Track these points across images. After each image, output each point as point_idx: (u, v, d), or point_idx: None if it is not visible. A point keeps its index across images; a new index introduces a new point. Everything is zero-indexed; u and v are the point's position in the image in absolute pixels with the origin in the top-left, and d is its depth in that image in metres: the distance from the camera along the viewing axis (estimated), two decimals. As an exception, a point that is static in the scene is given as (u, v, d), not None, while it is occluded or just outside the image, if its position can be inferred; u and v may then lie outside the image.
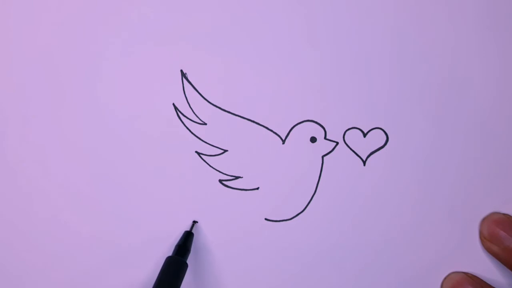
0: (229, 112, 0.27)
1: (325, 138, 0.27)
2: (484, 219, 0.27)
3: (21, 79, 0.27)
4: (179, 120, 0.27)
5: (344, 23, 0.27)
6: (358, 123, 0.27)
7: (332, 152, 0.27)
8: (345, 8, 0.26)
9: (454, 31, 0.26)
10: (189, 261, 0.26)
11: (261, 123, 0.27)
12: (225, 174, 0.27)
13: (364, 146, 0.27)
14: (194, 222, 0.27)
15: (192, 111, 0.27)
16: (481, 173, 0.27)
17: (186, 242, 0.26)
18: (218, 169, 0.27)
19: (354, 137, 0.27)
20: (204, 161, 0.27)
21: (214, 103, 0.27)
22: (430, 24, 0.26)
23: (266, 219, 0.27)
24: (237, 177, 0.27)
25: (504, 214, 0.26)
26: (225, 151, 0.27)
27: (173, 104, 0.27)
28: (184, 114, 0.27)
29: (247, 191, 0.27)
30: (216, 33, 0.27)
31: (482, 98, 0.27)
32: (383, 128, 0.27)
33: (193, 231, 0.27)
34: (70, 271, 0.27)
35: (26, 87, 0.27)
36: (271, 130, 0.27)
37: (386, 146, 0.27)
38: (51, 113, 0.27)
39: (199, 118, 0.27)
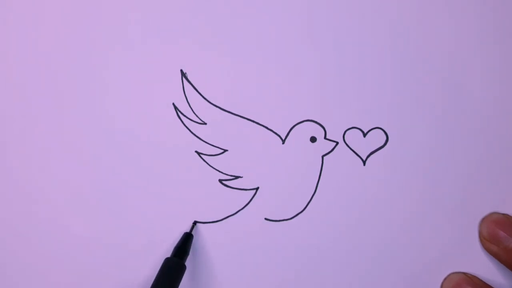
0: (229, 112, 0.27)
1: (325, 138, 0.27)
2: (483, 219, 0.27)
3: (21, 80, 0.27)
4: (179, 120, 0.27)
5: (344, 23, 0.27)
6: (358, 123, 0.27)
7: (332, 152, 0.27)
8: (345, 8, 0.27)
9: (454, 31, 0.27)
10: (189, 261, 0.26)
11: (261, 123, 0.27)
12: (225, 174, 0.27)
13: (364, 146, 0.27)
14: (194, 223, 0.27)
15: (192, 110, 0.27)
16: (481, 173, 0.27)
17: (185, 244, 0.26)
18: (218, 169, 0.27)
19: (354, 137, 0.27)
20: (204, 160, 0.27)
21: (214, 103, 0.27)
22: (430, 24, 0.27)
23: (266, 219, 0.27)
24: (237, 177, 0.27)
25: (503, 214, 0.26)
26: (225, 151, 0.27)
27: (173, 103, 0.27)
28: (184, 113, 0.27)
29: (247, 191, 0.27)
30: (216, 32, 0.27)
31: (482, 98, 0.27)
32: (383, 128, 0.27)
33: (193, 232, 0.26)
34: (69, 273, 0.27)
35: (27, 88, 0.27)
36: (271, 130, 0.27)
37: (386, 146, 0.27)
38: (51, 113, 0.27)
39: (199, 118, 0.27)
